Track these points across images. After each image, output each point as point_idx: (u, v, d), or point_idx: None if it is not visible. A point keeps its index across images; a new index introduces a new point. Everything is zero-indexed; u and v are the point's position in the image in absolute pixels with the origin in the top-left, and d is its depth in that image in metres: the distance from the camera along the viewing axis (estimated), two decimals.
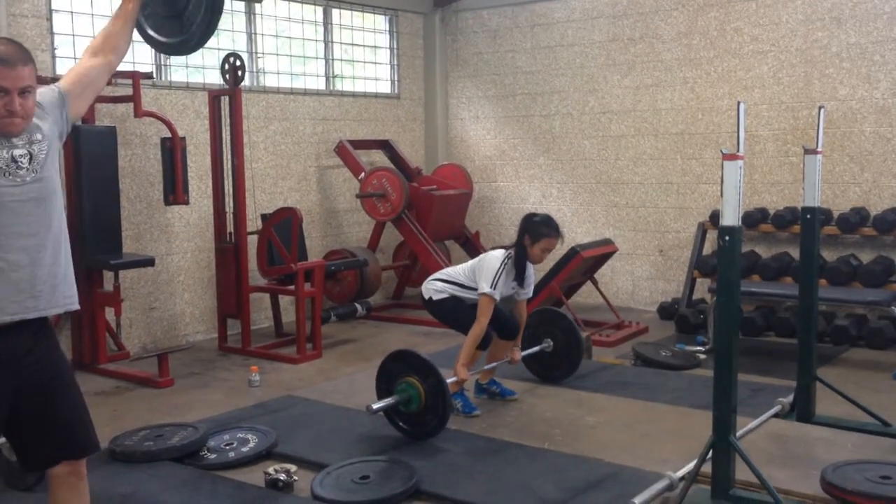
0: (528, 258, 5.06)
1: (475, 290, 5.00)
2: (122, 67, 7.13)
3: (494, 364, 5.37)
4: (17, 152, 2.64)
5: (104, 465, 4.35)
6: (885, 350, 6.60)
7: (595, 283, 7.92)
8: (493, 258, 5.04)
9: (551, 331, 5.74)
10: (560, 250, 8.17)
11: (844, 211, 7.33)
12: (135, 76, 6.45)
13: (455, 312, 5.14)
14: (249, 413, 5.28)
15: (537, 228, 5.05)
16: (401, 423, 4.73)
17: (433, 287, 5.20)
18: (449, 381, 4.72)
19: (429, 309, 5.27)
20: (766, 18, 7.84)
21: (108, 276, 6.55)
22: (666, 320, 8.04)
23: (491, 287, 4.91)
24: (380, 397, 4.74)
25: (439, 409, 4.59)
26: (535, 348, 5.66)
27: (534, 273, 5.27)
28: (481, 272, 5.00)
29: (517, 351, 5.38)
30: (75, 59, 6.76)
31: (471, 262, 5.24)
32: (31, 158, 2.66)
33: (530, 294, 5.31)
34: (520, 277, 5.11)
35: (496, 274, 4.95)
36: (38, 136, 2.72)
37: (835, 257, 7.32)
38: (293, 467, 4.18)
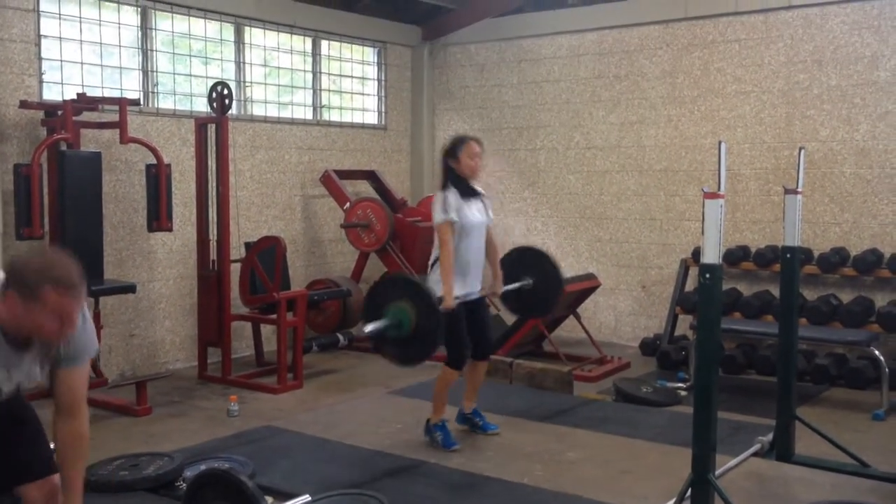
0: (463, 175, 5.01)
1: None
2: (108, 93, 7.20)
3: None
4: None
5: None
6: (864, 390, 6.62)
7: (578, 317, 7.93)
8: (434, 198, 5.06)
9: (530, 269, 5.64)
10: None
11: (825, 251, 7.39)
12: (122, 102, 6.46)
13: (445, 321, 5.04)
14: (227, 443, 5.22)
15: (453, 146, 5.06)
16: (389, 350, 4.62)
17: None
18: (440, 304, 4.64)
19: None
20: (749, 60, 7.96)
21: (88, 301, 6.49)
22: (648, 356, 8.05)
23: (443, 213, 4.89)
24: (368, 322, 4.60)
25: (431, 332, 4.46)
26: (515, 285, 5.53)
27: (489, 202, 5.22)
28: (433, 215, 4.99)
29: (499, 284, 5.33)
30: (62, 84, 6.81)
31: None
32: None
33: (492, 218, 5.23)
34: (477, 199, 5.08)
35: (442, 203, 4.92)
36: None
37: (815, 296, 7.37)
38: (270, 499, 4.13)
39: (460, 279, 4.95)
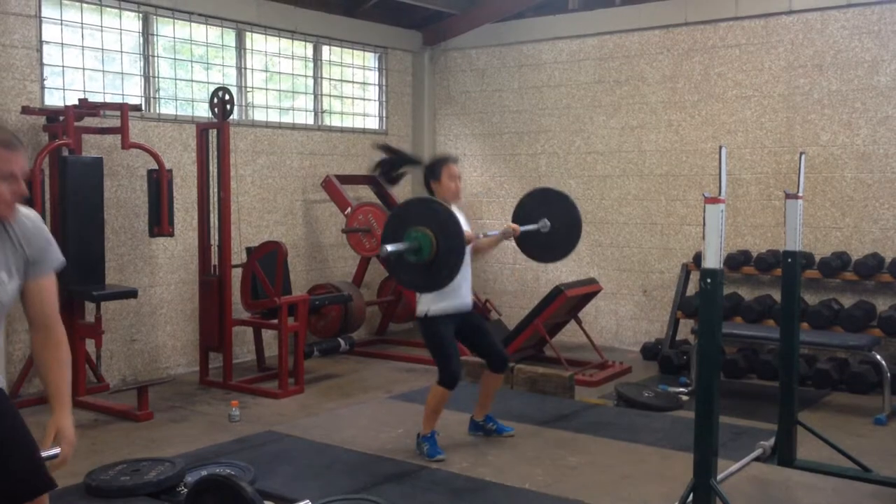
0: (444, 197, 5.00)
1: None
2: (110, 99, 7.21)
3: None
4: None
5: (79, 500, 4.30)
6: (866, 394, 6.62)
7: (579, 322, 7.93)
8: None
9: (549, 211, 5.51)
10: (545, 288, 8.21)
11: (826, 255, 7.40)
12: (123, 108, 6.48)
13: (433, 339, 5.00)
14: (228, 448, 5.22)
15: (432, 168, 5.08)
16: (406, 277, 4.55)
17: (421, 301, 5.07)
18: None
19: (420, 327, 5.14)
20: (750, 64, 7.97)
21: (89, 307, 6.51)
22: (649, 360, 8.05)
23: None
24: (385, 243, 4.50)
25: (452, 260, 4.38)
26: (532, 226, 5.43)
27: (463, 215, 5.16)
28: None
29: (517, 226, 5.28)
30: (64, 89, 6.82)
31: None
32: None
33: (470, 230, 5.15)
34: (460, 215, 5.01)
35: None
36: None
37: (816, 301, 7.37)
38: None
39: (450, 296, 4.92)
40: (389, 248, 4.38)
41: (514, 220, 5.45)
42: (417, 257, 4.42)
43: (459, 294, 4.98)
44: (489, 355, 5.17)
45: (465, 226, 5.00)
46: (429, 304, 4.92)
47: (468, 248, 4.95)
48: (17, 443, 2.63)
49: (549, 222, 5.48)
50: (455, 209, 5.02)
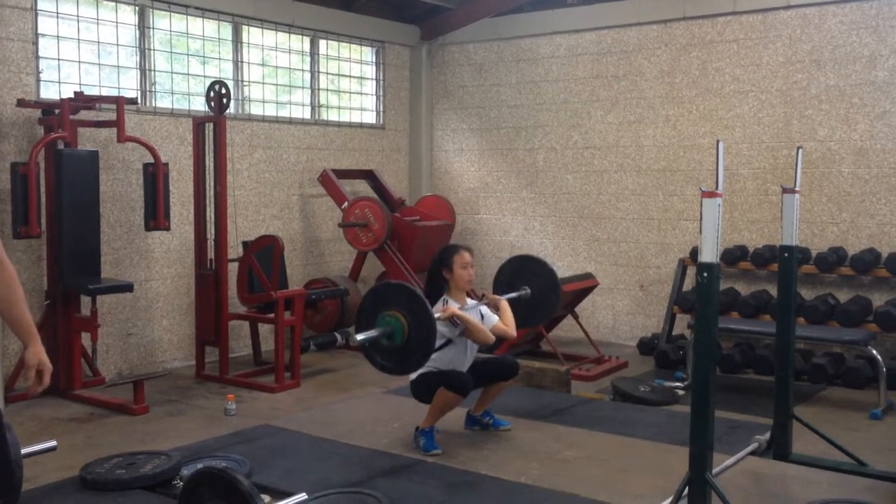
0: (458, 286, 5.06)
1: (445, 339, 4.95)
2: (106, 92, 7.19)
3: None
4: None
5: (75, 493, 4.29)
6: (861, 389, 6.62)
7: (576, 317, 7.93)
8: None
9: (528, 278, 5.64)
10: None
11: (822, 250, 7.40)
12: (119, 101, 6.46)
13: (429, 388, 5.03)
14: (224, 442, 5.22)
15: (443, 258, 5.11)
16: (380, 360, 4.57)
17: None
18: (436, 314, 4.61)
19: (411, 390, 5.18)
20: (748, 59, 7.97)
21: (85, 300, 6.50)
22: (646, 355, 8.05)
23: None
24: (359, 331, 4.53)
25: (424, 342, 4.41)
26: (514, 294, 5.53)
27: (484, 308, 5.22)
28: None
29: (501, 300, 5.29)
30: (60, 83, 6.80)
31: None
32: None
33: (495, 318, 5.17)
34: (475, 310, 5.12)
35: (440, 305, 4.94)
36: None
37: (813, 296, 7.38)
38: (267, 498, 4.12)
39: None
40: (360, 336, 4.41)
41: (494, 290, 5.53)
42: (391, 341, 4.45)
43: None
44: (499, 372, 5.22)
45: (482, 315, 5.09)
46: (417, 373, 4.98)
47: (475, 347, 5.05)
48: None
49: (529, 289, 5.60)
50: (475, 305, 5.11)
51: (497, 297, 5.32)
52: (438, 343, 4.82)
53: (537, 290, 5.60)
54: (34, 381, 2.78)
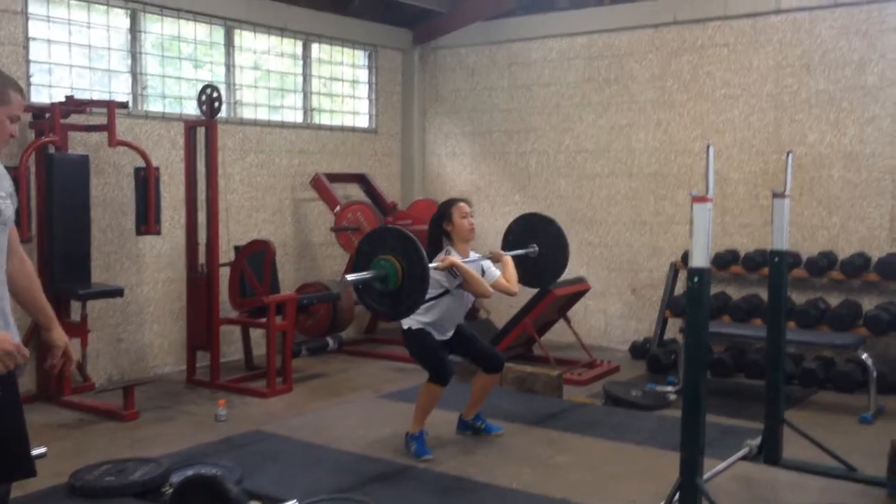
0: (460, 237, 5.02)
1: (442, 288, 4.93)
2: (97, 96, 7.17)
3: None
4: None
5: (63, 500, 4.27)
6: (852, 393, 6.64)
7: (568, 321, 7.93)
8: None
9: (537, 236, 5.61)
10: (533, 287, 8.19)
11: (813, 254, 7.42)
12: (110, 105, 6.44)
13: (421, 349, 5.06)
14: (215, 448, 5.19)
15: (442, 211, 5.09)
16: (372, 303, 4.58)
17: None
18: (432, 265, 4.60)
19: (404, 341, 5.21)
20: (738, 64, 7.99)
21: (75, 305, 6.47)
22: (638, 359, 8.06)
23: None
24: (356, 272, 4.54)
25: (417, 289, 4.41)
26: (520, 251, 5.49)
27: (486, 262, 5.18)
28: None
29: (504, 255, 5.28)
30: (51, 87, 6.78)
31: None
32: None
33: (497, 273, 5.13)
34: (477, 263, 5.09)
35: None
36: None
37: (803, 300, 7.40)
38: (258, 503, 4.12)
39: (439, 328, 5.01)
40: (351, 277, 4.43)
41: (503, 248, 5.50)
42: (384, 285, 4.44)
43: (444, 331, 5.05)
44: (485, 359, 5.21)
45: (483, 270, 5.05)
46: (412, 322, 4.97)
47: (470, 300, 5.02)
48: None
49: (537, 247, 5.57)
50: (477, 259, 5.07)
51: (500, 251, 5.30)
52: (435, 293, 4.87)
53: (545, 249, 5.56)
54: (64, 359, 2.96)
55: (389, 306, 4.53)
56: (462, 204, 5.09)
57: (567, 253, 5.64)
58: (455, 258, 4.89)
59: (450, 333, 5.12)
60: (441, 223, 5.09)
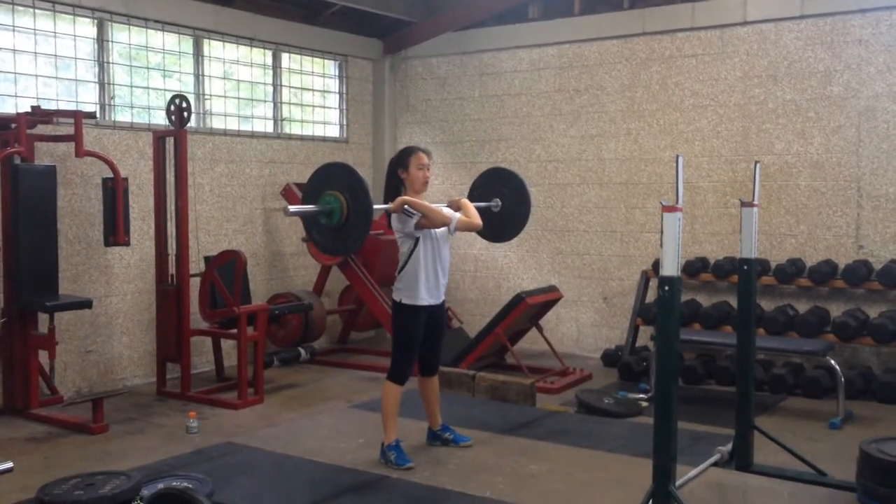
0: (414, 187, 4.98)
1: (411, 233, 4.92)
2: (64, 106, 7.08)
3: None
4: None
5: None
6: (820, 399, 6.72)
7: (540, 329, 7.96)
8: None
9: (500, 190, 5.65)
10: (506, 296, 8.24)
11: (781, 262, 7.51)
12: (77, 115, 6.36)
13: (402, 331, 5.02)
14: (186, 460, 5.14)
15: (401, 157, 5.06)
16: (318, 237, 4.64)
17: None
18: (384, 206, 4.70)
19: (392, 311, 5.15)
20: (706, 74, 8.09)
21: (42, 317, 6.37)
22: (610, 367, 8.10)
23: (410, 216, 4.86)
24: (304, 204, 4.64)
25: (360, 226, 4.43)
26: (483, 204, 5.52)
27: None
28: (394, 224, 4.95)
29: (461, 199, 5.24)
30: (17, 97, 6.70)
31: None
32: None
33: (457, 215, 5.07)
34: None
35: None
36: None
37: (772, 307, 7.48)
38: None
39: (426, 286, 4.95)
40: (292, 209, 4.55)
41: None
42: (329, 220, 4.50)
43: (436, 286, 5.00)
44: (424, 358, 5.19)
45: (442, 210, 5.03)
46: (402, 294, 4.96)
47: (442, 232, 5.00)
48: None
49: (500, 202, 5.65)
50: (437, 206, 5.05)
51: (459, 197, 5.28)
52: (408, 247, 4.89)
53: (508, 202, 5.66)
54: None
55: (333, 241, 4.61)
56: (421, 154, 5.03)
57: (528, 205, 5.72)
58: (407, 196, 4.87)
59: (440, 295, 5.05)
60: (397, 169, 5.05)
